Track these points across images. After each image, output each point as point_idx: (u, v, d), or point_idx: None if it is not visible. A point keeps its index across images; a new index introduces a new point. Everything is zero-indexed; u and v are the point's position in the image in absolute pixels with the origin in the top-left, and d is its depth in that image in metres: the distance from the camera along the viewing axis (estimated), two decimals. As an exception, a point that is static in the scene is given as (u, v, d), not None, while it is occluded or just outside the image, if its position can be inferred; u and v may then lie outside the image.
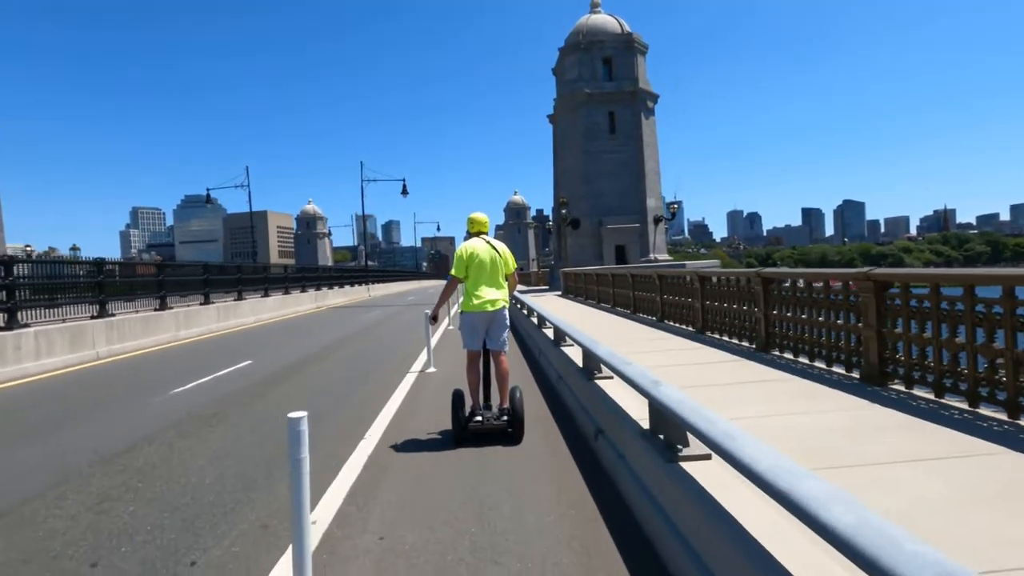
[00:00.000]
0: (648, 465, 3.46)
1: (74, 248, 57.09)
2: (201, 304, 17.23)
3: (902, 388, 5.09)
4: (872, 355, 5.47)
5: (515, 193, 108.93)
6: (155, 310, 14.67)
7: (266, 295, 22.56)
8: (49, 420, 6.77)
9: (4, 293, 10.17)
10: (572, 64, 33.82)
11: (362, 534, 3.54)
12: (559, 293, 25.41)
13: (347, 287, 35.96)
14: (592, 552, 3.19)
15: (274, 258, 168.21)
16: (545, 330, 10.12)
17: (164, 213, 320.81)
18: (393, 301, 32.20)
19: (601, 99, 32.95)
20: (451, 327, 14.83)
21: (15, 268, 10.52)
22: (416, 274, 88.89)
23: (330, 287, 32.30)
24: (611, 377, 5.55)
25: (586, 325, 11.08)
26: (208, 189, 40.80)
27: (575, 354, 7.14)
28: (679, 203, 35.03)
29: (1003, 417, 3.96)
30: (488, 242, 5.38)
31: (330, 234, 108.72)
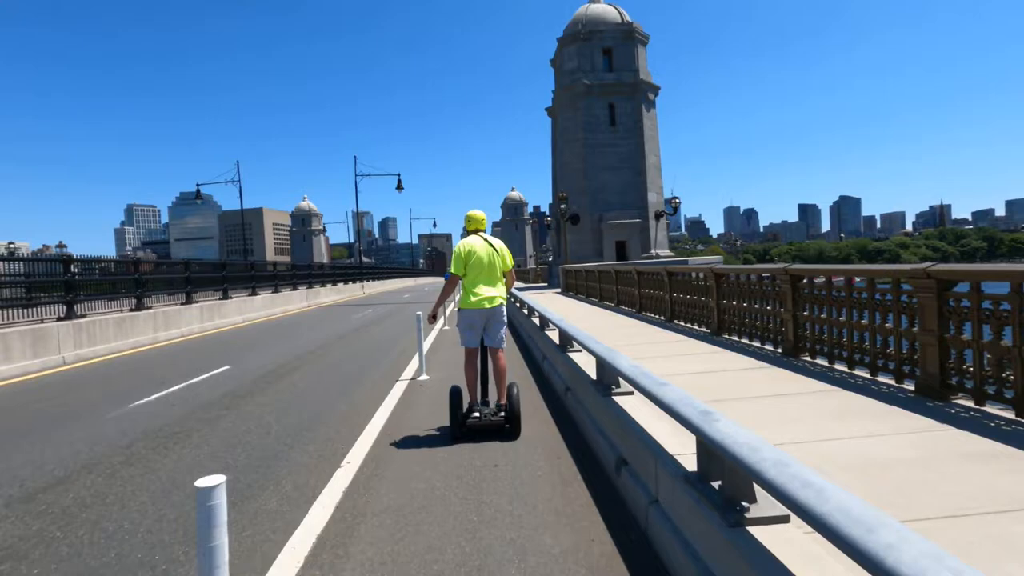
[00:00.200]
0: (700, 527, 2.62)
1: (60, 245, 55.66)
2: (183, 304, 16.31)
3: (970, 404, 4.36)
4: (931, 364, 4.71)
5: (512, 189, 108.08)
6: (131, 310, 13.76)
7: (254, 293, 21.64)
8: (-16, 440, 5.90)
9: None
10: (571, 55, 32.87)
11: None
12: (559, 291, 24.57)
13: (340, 285, 35.03)
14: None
15: (270, 255, 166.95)
16: (548, 332, 9.28)
17: (159, 210, 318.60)
18: (388, 299, 31.28)
19: (601, 91, 32.04)
20: (447, 327, 13.98)
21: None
22: (413, 271, 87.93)
23: (322, 285, 31.36)
24: (631, 393, 4.73)
25: (591, 325, 10.25)
26: (198, 184, 39.55)
27: (584, 361, 6.31)
28: (679, 198, 34.18)
29: None
30: (486, 239, 5.39)
31: (325, 231, 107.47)
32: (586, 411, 5.40)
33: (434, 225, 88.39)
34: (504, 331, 5.40)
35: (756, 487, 2.47)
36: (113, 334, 12.48)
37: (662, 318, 10.84)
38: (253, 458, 4.99)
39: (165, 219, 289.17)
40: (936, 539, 1.67)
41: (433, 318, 5.64)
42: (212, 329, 16.71)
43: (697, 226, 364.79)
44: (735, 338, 7.98)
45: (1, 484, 4.54)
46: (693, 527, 2.70)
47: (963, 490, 2.74)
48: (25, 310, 11.04)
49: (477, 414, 5.21)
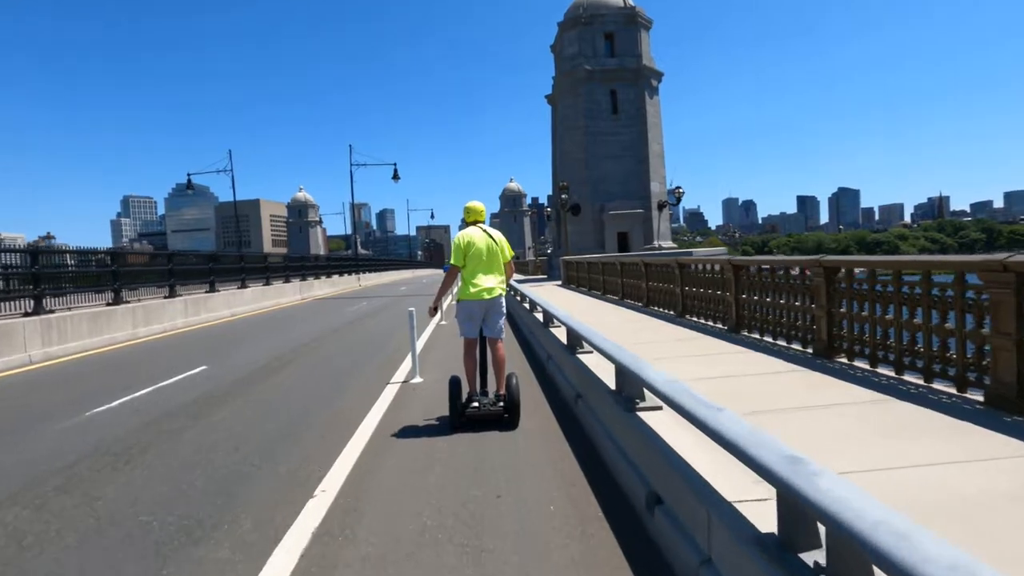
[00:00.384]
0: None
1: (48, 236, 54.64)
2: (166, 297, 15.50)
3: (1056, 419, 3.65)
4: (1006, 371, 4.03)
5: (511, 180, 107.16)
6: (108, 305, 12.96)
7: (243, 286, 20.83)
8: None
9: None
10: (572, 40, 31.87)
11: None
12: (559, 283, 23.81)
13: (335, 277, 34.20)
14: None
15: (267, 247, 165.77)
16: (553, 329, 8.53)
17: (156, 202, 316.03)
18: (384, 292, 30.46)
19: (603, 76, 31.08)
20: (443, 322, 13.23)
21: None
22: (410, 263, 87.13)
23: (316, 277, 30.54)
24: (659, 408, 3.98)
25: (597, 320, 9.50)
26: (189, 174, 38.57)
27: (596, 363, 5.57)
28: (682, 188, 33.32)
29: None
30: (485, 230, 5.35)
31: (321, 222, 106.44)
32: (602, 425, 4.66)
33: (432, 216, 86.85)
34: (503, 322, 5.42)
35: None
36: (87, 330, 11.69)
37: (672, 313, 10.11)
38: (212, 482, 4.24)
39: (162, 211, 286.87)
40: None
41: (433, 310, 5.59)
42: (197, 324, 15.91)
43: (696, 218, 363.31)
44: (756, 336, 7.27)
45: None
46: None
47: None
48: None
49: (476, 404, 5.22)
